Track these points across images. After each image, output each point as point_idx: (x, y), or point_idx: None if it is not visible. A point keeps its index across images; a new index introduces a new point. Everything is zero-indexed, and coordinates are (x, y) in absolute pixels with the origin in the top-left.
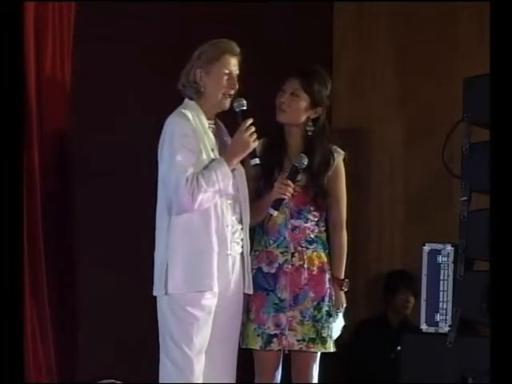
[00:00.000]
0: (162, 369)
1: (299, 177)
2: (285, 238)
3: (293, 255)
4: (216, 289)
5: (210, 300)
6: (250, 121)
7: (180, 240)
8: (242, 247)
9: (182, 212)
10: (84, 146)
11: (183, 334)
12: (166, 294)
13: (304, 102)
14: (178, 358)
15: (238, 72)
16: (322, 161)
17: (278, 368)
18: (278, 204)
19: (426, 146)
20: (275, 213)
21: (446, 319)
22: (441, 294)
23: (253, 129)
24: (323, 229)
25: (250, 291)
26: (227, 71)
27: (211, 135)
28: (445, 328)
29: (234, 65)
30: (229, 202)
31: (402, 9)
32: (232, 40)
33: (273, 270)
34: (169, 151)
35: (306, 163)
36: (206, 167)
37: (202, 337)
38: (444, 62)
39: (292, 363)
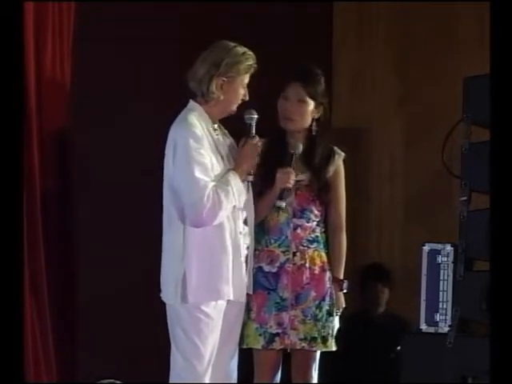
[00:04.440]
0: (173, 364)
1: (302, 176)
2: (287, 237)
3: (294, 254)
4: (233, 296)
5: (222, 300)
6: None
7: (196, 250)
8: (247, 248)
9: (200, 227)
10: (84, 146)
11: (199, 333)
12: (186, 303)
13: (311, 106)
14: (192, 355)
15: None
16: (324, 155)
17: (278, 368)
18: (284, 194)
19: (426, 146)
20: (283, 204)
21: (445, 319)
22: (440, 294)
23: (260, 143)
24: (324, 229)
25: (250, 291)
26: (247, 83)
27: (220, 139)
28: (444, 328)
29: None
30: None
31: (402, 9)
32: (232, 40)
33: (274, 269)
34: (185, 165)
35: (301, 149)
36: (222, 181)
37: (216, 334)
38: (444, 62)
39: (292, 363)
